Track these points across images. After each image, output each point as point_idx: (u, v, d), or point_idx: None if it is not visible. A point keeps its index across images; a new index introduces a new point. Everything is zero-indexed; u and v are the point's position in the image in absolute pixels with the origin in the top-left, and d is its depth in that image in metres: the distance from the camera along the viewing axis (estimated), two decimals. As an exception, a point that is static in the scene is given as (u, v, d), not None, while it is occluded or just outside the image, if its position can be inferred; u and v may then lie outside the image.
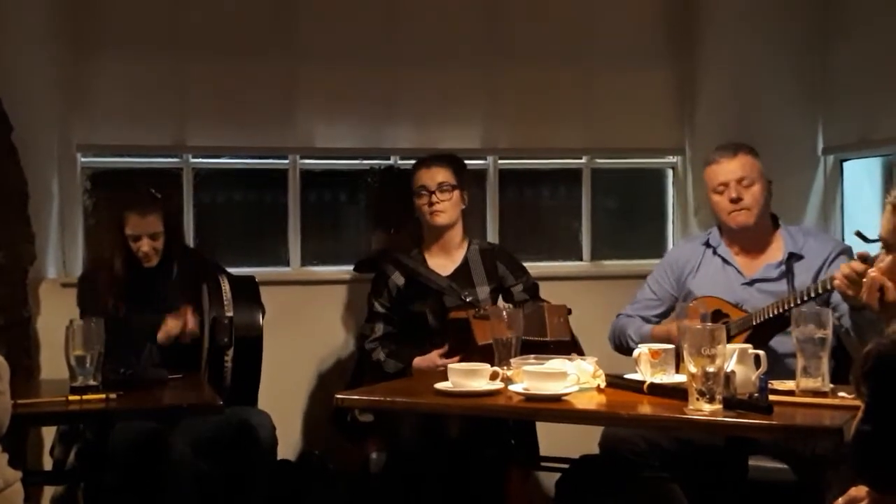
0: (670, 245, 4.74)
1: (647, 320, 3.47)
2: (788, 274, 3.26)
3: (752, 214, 3.31)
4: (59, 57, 4.17)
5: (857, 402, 2.30)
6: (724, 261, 3.38)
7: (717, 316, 3.16)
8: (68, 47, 4.19)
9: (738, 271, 3.35)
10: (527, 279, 3.90)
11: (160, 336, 3.45)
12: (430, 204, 3.79)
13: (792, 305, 3.02)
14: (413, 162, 4.04)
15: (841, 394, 2.52)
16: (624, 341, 3.46)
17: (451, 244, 3.87)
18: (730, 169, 3.33)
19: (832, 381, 2.60)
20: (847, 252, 3.26)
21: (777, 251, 3.34)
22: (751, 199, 3.30)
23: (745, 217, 3.31)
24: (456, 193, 3.83)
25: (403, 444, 3.52)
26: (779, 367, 2.88)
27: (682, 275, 3.45)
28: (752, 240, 3.36)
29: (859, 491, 2.05)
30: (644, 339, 3.33)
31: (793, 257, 3.29)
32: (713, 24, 4.63)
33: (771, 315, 3.07)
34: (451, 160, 3.93)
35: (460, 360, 3.24)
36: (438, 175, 3.81)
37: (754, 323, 3.11)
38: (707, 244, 3.44)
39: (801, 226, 3.47)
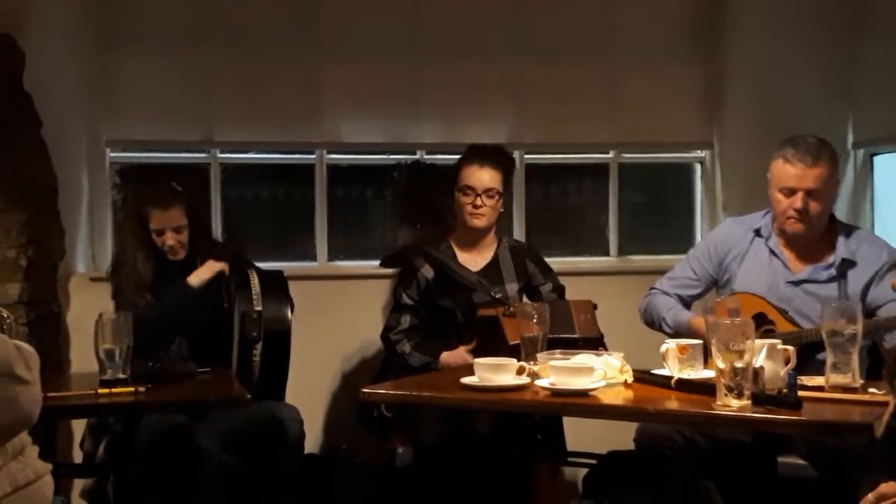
0: (698, 240, 4.71)
1: (682, 300, 3.38)
2: (840, 279, 3.14)
3: (810, 226, 3.15)
4: (87, 53, 4.21)
5: (888, 398, 2.29)
6: (773, 253, 3.25)
7: (760, 321, 3.06)
8: (97, 44, 4.23)
9: (786, 266, 3.22)
10: (555, 279, 3.89)
11: (192, 280, 3.48)
12: (475, 206, 3.75)
13: None
14: (442, 157, 4.02)
15: (871, 390, 2.49)
16: (657, 322, 3.38)
17: (483, 242, 3.86)
18: (804, 178, 3.10)
19: (869, 378, 2.57)
20: None
21: (828, 253, 3.19)
22: (814, 213, 3.13)
23: (802, 227, 3.16)
24: (500, 200, 3.80)
25: (429, 439, 3.52)
26: (813, 365, 2.81)
27: (726, 258, 3.32)
28: (804, 241, 3.21)
29: (890, 487, 2.04)
30: (679, 327, 3.26)
31: (845, 263, 3.16)
32: (741, 18, 4.60)
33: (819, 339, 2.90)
34: (503, 161, 3.87)
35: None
36: (487, 178, 3.75)
37: (804, 342, 2.96)
38: (758, 232, 3.30)
39: (857, 228, 3.29)
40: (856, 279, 3.14)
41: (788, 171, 3.14)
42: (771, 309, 3.13)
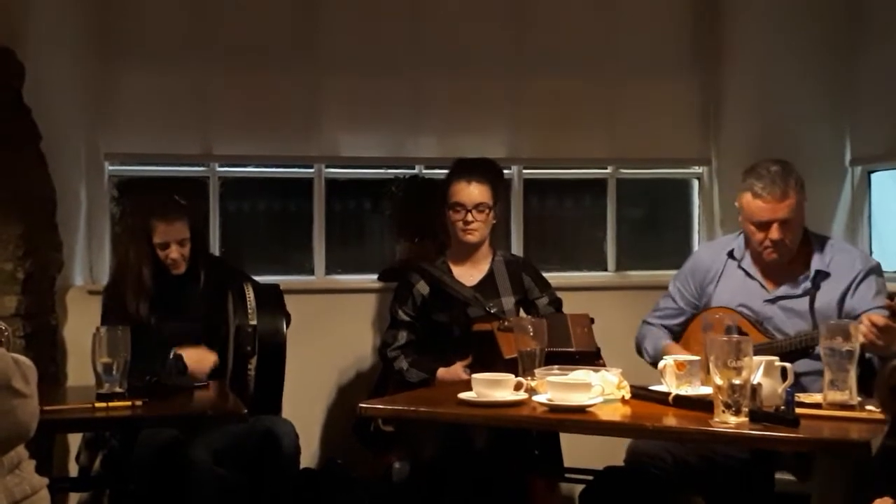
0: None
1: (669, 329, 3.41)
2: (815, 292, 3.14)
3: (786, 252, 3.15)
4: (87, 67, 4.22)
5: (885, 416, 2.30)
6: (747, 274, 3.25)
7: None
8: (96, 57, 4.24)
9: (762, 285, 3.22)
10: (552, 293, 3.89)
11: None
12: (465, 222, 3.74)
13: (814, 343, 2.94)
14: (440, 171, 4.02)
15: (869, 407, 2.49)
16: (642, 353, 3.42)
17: (477, 256, 3.85)
18: (776, 210, 3.10)
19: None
20: (875, 271, 3.14)
21: (803, 266, 3.19)
22: (789, 239, 3.13)
23: (780, 254, 3.15)
24: (491, 213, 3.78)
25: (426, 454, 3.52)
26: (795, 385, 2.81)
27: (704, 282, 3.33)
28: (779, 263, 3.21)
29: (884, 502, 2.04)
30: (657, 354, 3.27)
31: (819, 275, 3.15)
32: (739, 34, 4.62)
33: (793, 348, 2.96)
34: (491, 174, 3.85)
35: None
36: (477, 193, 3.72)
37: (778, 352, 2.92)
38: (731, 254, 3.30)
39: (831, 238, 3.29)
40: (831, 290, 3.13)
41: (759, 206, 3.13)
42: (744, 321, 3.12)
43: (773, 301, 3.19)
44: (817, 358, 2.91)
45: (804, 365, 2.89)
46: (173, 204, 3.60)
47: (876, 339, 2.71)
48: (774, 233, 3.12)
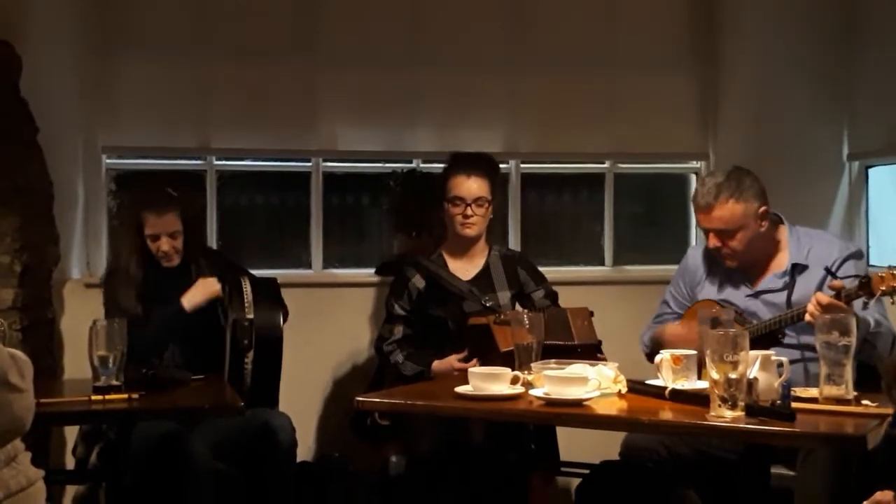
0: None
1: None
2: (791, 284, 3.15)
3: (736, 259, 3.18)
4: (84, 59, 4.21)
5: (881, 410, 2.30)
6: (731, 270, 3.26)
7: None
8: (94, 50, 4.23)
9: (744, 282, 3.23)
10: (547, 286, 3.89)
11: (185, 303, 3.49)
12: (465, 216, 3.75)
13: (774, 328, 3.01)
14: (438, 166, 4.02)
15: (864, 402, 2.50)
16: (642, 349, 3.43)
17: (474, 250, 3.86)
18: (707, 220, 3.16)
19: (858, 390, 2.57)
20: (854, 256, 3.14)
21: (783, 258, 3.21)
22: (733, 248, 3.15)
23: (731, 262, 3.20)
24: (489, 207, 3.79)
25: (423, 448, 3.52)
26: None
27: (693, 283, 3.36)
28: (752, 260, 3.22)
29: (885, 495, 2.05)
30: (653, 341, 3.32)
31: (797, 268, 3.16)
32: (737, 29, 4.62)
33: (757, 335, 2.97)
34: (489, 168, 3.85)
35: (479, 365, 3.24)
36: (476, 187, 3.73)
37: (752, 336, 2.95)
38: (716, 252, 3.29)
39: (815, 230, 3.29)
40: (808, 281, 3.12)
41: (697, 216, 3.22)
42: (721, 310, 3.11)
43: (755, 296, 3.21)
44: (788, 346, 2.99)
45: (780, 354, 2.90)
46: (164, 196, 3.60)
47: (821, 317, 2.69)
48: (711, 240, 3.18)
